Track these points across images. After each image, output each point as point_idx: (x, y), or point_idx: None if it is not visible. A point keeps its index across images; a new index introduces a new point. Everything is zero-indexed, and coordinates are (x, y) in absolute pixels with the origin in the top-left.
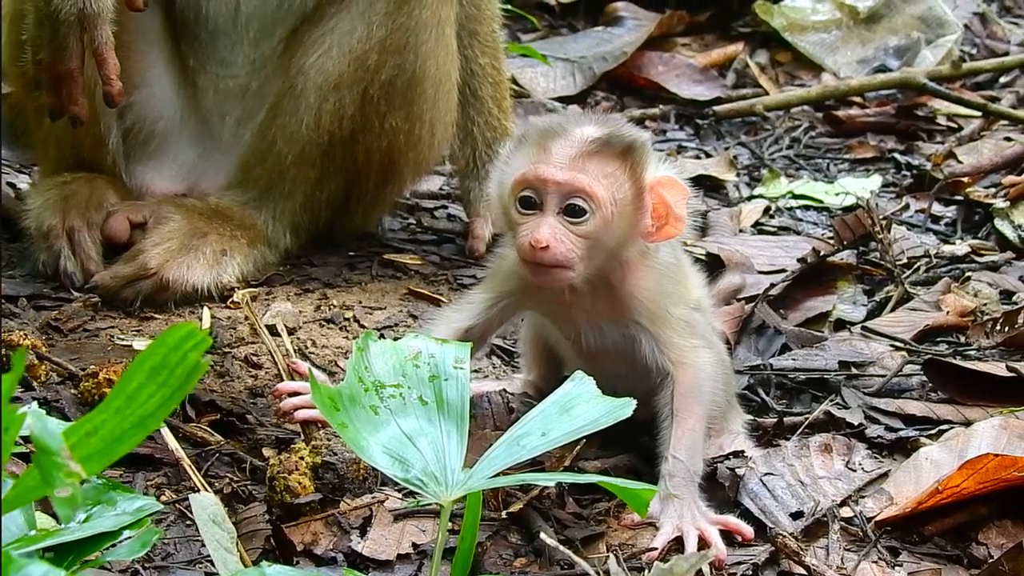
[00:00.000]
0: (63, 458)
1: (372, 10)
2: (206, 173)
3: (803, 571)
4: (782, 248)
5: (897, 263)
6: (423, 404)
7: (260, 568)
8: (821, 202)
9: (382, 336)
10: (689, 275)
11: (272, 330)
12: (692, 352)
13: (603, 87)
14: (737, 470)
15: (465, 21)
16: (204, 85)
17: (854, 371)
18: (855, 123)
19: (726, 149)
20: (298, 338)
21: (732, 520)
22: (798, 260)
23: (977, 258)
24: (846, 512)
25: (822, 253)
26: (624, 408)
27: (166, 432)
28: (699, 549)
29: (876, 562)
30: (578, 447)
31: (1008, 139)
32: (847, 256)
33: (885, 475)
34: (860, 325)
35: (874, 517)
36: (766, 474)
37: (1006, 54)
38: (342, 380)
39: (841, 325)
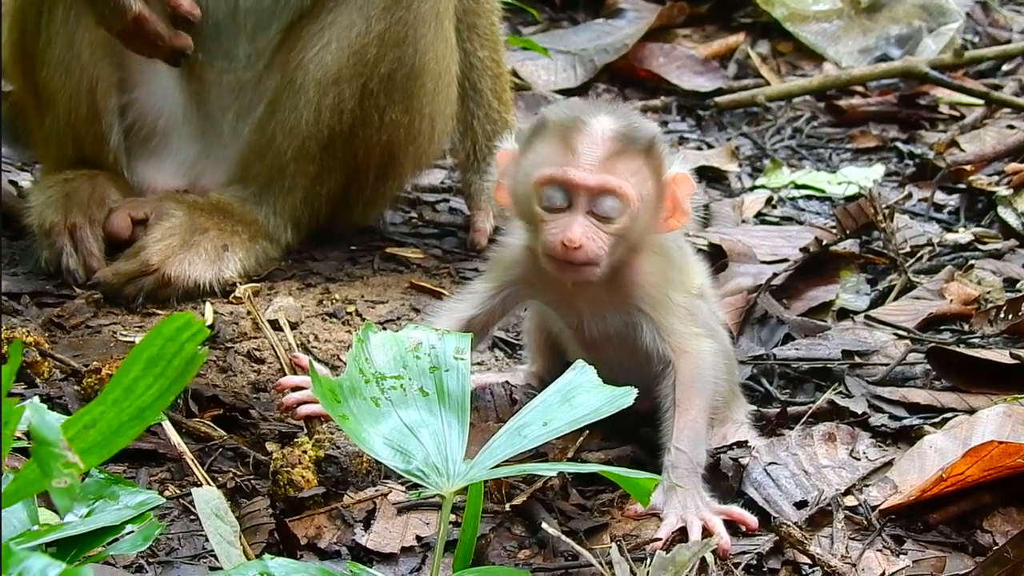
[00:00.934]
0: (61, 449)
1: (371, 4)
2: (207, 169)
3: (807, 560)
4: (785, 238)
5: (900, 252)
6: (424, 395)
7: (262, 561)
8: (823, 192)
9: (384, 329)
10: (691, 263)
11: (274, 325)
12: (693, 340)
13: (604, 79)
14: (741, 460)
15: (464, 14)
16: (204, 81)
17: (858, 360)
18: (857, 113)
19: (728, 140)
20: (300, 332)
21: (736, 510)
22: (801, 250)
23: (980, 246)
24: (850, 501)
25: (825, 243)
26: (625, 397)
27: (168, 427)
28: (703, 539)
29: (881, 550)
30: (581, 438)
31: (1011, 127)
32: (850, 245)
33: (889, 463)
34: (863, 314)
35: (878, 506)
36: (770, 463)
37: (1008, 42)
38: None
39: (844, 314)
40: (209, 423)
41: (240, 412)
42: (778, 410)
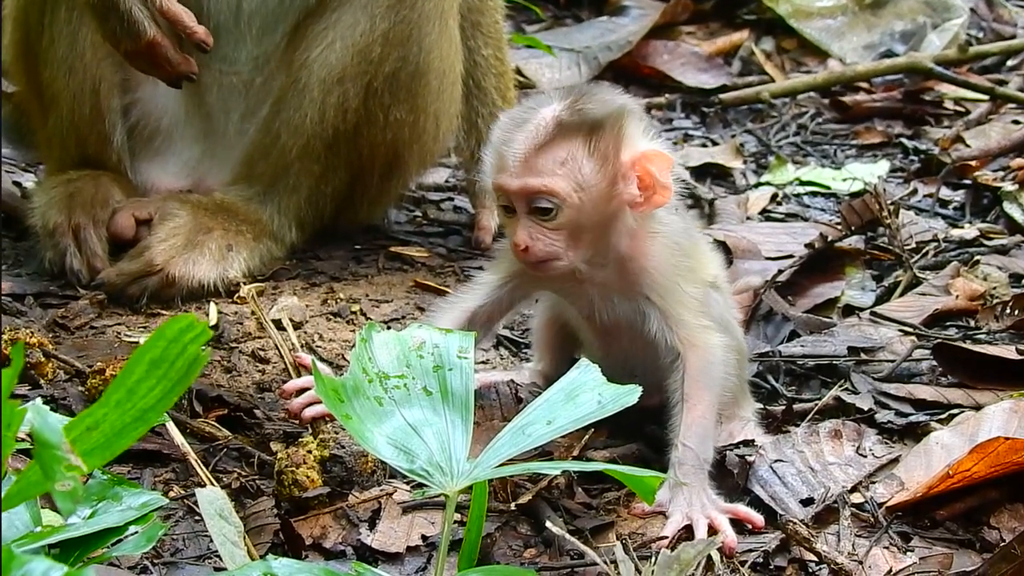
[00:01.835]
0: (63, 451)
1: (375, 3)
2: (211, 169)
3: (814, 558)
4: (790, 234)
5: (905, 248)
6: (427, 394)
7: (266, 561)
8: (828, 188)
9: (390, 328)
10: (704, 251)
11: (279, 324)
12: (703, 333)
13: (608, 77)
14: (747, 457)
15: (468, 12)
16: (208, 82)
17: (863, 357)
18: (862, 109)
19: (732, 137)
20: (305, 332)
21: (742, 508)
22: (806, 246)
23: (986, 242)
24: (856, 498)
25: (830, 239)
26: (629, 395)
27: (172, 428)
28: (709, 537)
29: (887, 547)
30: (587, 436)
31: (1016, 122)
32: (855, 242)
33: (895, 460)
34: (869, 310)
35: (885, 503)
36: (776, 461)
37: (1013, 37)
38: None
39: (850, 311)
40: (214, 423)
41: (245, 412)
42: (783, 407)
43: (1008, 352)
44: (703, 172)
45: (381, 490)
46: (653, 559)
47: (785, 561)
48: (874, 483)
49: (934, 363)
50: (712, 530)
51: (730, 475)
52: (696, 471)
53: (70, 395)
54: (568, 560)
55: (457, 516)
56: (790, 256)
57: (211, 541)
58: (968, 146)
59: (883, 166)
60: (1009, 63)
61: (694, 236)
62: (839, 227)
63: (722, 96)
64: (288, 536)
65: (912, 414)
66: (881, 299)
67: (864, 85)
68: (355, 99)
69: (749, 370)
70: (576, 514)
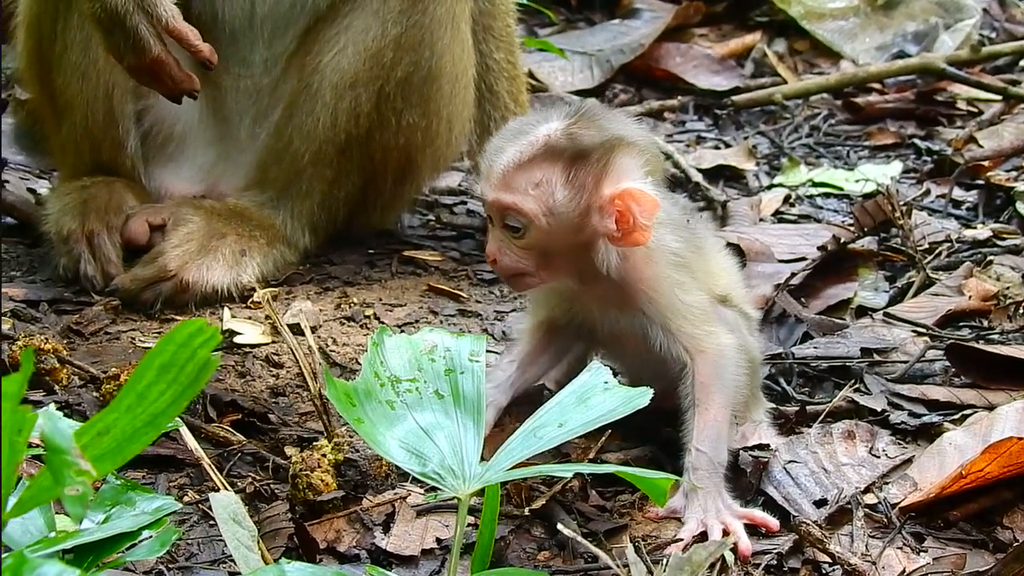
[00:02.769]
0: (74, 457)
1: (387, 8)
2: (224, 174)
3: (828, 559)
4: (803, 236)
5: (918, 249)
6: (439, 398)
7: (279, 566)
8: (841, 189)
9: (403, 332)
10: (712, 260)
11: (293, 329)
12: (709, 339)
13: (621, 80)
14: (760, 458)
15: (479, 16)
16: (221, 87)
17: (876, 358)
18: (874, 110)
19: (745, 139)
20: (319, 336)
21: (758, 513)
22: (819, 248)
23: (999, 242)
24: (870, 499)
25: (843, 240)
26: (641, 398)
27: (186, 432)
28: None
29: (901, 548)
30: (603, 438)
31: None
32: (868, 243)
33: (909, 461)
34: (882, 311)
35: (898, 503)
36: (789, 462)
37: None
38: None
39: (863, 312)
40: (228, 428)
41: (259, 417)
42: (796, 409)
43: (1021, 352)
44: (716, 174)
45: (395, 493)
46: (665, 562)
47: (799, 563)
48: (887, 484)
49: (947, 364)
50: (726, 535)
51: (744, 475)
52: (710, 475)
53: (84, 401)
54: (582, 563)
55: (471, 519)
56: (803, 258)
57: (226, 546)
58: (981, 146)
59: (896, 167)
60: (1022, 63)
61: (701, 247)
62: (852, 228)
63: (735, 98)
64: (302, 540)
65: (925, 415)
66: (894, 300)
67: (876, 86)
68: (367, 104)
69: (762, 372)
70: (590, 517)
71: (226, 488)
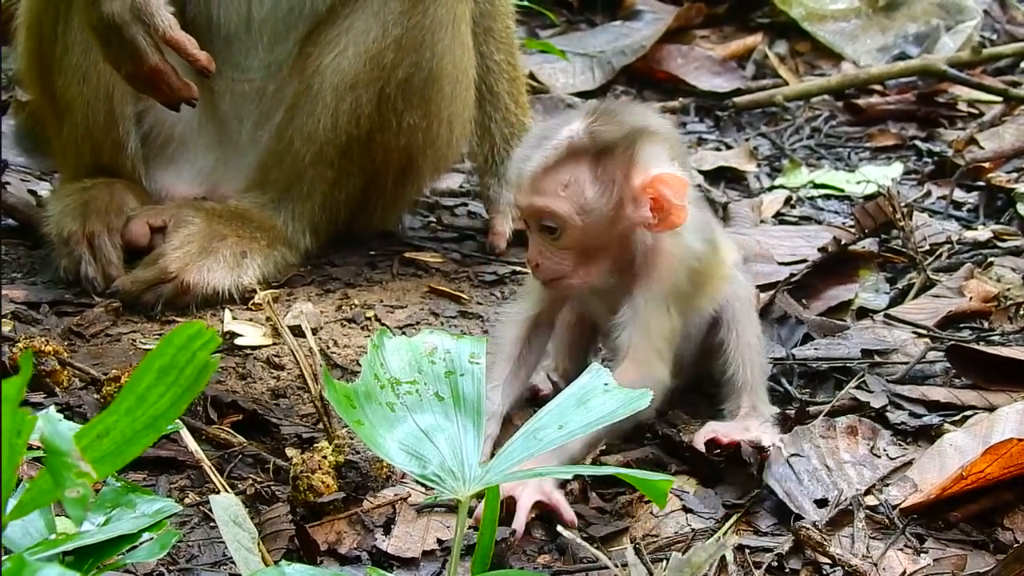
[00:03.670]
0: (74, 459)
1: (387, 9)
2: (225, 176)
3: (828, 560)
4: (804, 238)
5: (919, 250)
6: (439, 400)
7: (280, 568)
8: (842, 191)
9: (404, 334)
10: (721, 250)
11: (294, 331)
12: (653, 359)
13: (622, 81)
14: (763, 450)
15: (480, 18)
16: (220, 89)
17: (877, 359)
18: (875, 111)
19: (746, 140)
20: (320, 338)
21: None
22: (819, 249)
23: (999, 243)
24: (871, 500)
25: (844, 242)
26: (641, 399)
27: (186, 434)
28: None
29: (902, 549)
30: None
31: None
32: (869, 244)
33: (910, 462)
34: (883, 313)
35: (899, 504)
36: (792, 455)
37: None
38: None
39: (864, 313)
40: (228, 429)
41: (259, 418)
42: (797, 409)
43: (1022, 353)
44: (717, 176)
45: (396, 495)
46: (665, 563)
47: (799, 563)
48: (888, 485)
49: (948, 365)
50: (711, 533)
51: (746, 466)
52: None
53: (85, 403)
54: (582, 565)
55: (471, 521)
56: (804, 260)
57: (226, 548)
58: (982, 148)
59: (897, 168)
60: (1022, 65)
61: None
62: (853, 230)
63: (736, 100)
64: (303, 542)
65: (926, 416)
66: (895, 301)
67: (878, 88)
68: (368, 105)
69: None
70: (590, 519)
71: (227, 490)
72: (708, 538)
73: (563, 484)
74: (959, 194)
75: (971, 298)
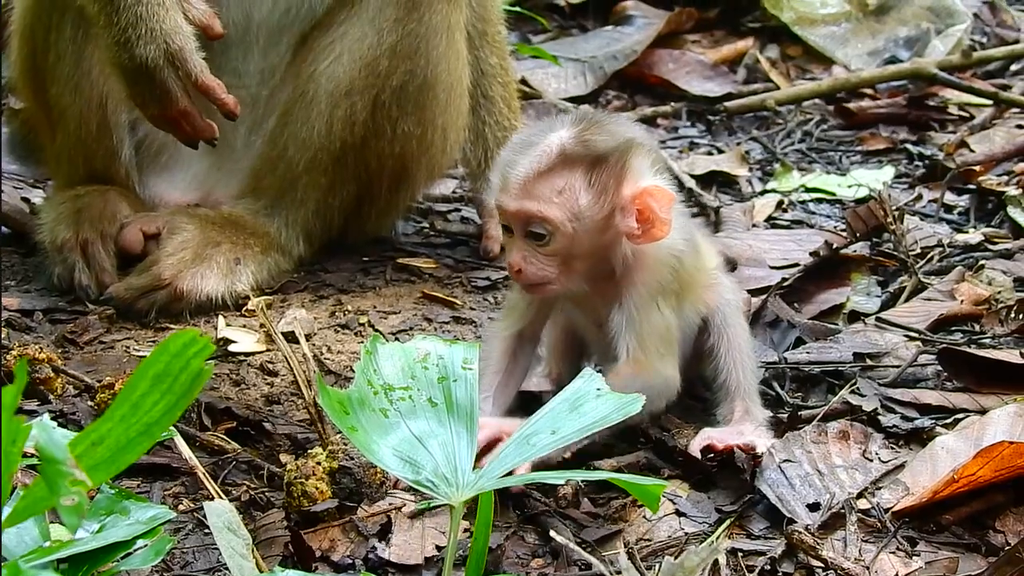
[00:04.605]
0: (68, 467)
1: (382, 16)
2: (218, 183)
3: (820, 564)
4: (795, 242)
5: (911, 253)
6: (432, 406)
7: (275, 574)
8: (834, 195)
9: (397, 340)
10: (703, 254)
11: (288, 337)
12: (652, 357)
13: (614, 86)
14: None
15: (474, 22)
16: None
17: (869, 362)
18: (867, 115)
19: (738, 144)
20: (313, 344)
21: None
22: (811, 253)
23: (991, 246)
24: (863, 504)
25: (835, 246)
26: (633, 404)
27: (180, 441)
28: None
29: (894, 552)
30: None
31: (1020, 127)
32: (860, 248)
33: (901, 466)
34: (874, 316)
35: (891, 508)
36: (784, 460)
37: (1016, 42)
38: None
39: (855, 317)
40: (223, 436)
41: (253, 425)
42: (789, 413)
43: (1013, 356)
44: (709, 180)
45: (390, 504)
46: (658, 568)
47: (792, 567)
48: (880, 488)
49: (939, 368)
50: (704, 537)
51: (739, 471)
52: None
53: (79, 410)
54: (575, 570)
55: (466, 525)
56: (796, 263)
57: (220, 554)
58: (972, 151)
59: (888, 172)
60: (1013, 68)
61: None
62: (844, 233)
63: (727, 104)
64: (297, 549)
65: (917, 419)
66: (886, 305)
67: (869, 91)
68: (363, 112)
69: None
70: (583, 523)
71: (221, 497)
72: (701, 542)
73: (555, 488)
74: (950, 197)
75: (962, 301)
